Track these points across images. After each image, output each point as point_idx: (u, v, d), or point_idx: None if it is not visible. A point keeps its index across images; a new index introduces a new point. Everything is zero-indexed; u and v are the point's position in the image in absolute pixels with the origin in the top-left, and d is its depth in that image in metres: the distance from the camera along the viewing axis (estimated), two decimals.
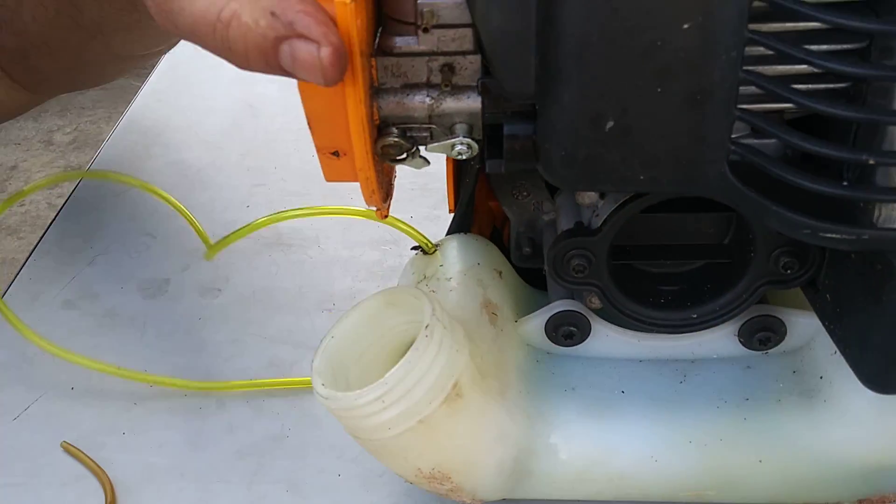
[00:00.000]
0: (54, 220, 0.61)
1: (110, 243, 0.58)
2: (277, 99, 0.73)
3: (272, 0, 0.28)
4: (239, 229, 0.45)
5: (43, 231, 0.60)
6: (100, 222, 0.61)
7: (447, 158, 0.40)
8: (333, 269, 0.55)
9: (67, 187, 0.67)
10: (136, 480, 0.43)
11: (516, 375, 0.37)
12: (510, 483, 0.37)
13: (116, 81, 0.68)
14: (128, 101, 0.75)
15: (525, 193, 0.43)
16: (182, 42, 0.75)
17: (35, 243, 0.59)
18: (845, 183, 0.27)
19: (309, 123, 0.32)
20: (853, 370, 0.32)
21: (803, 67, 0.28)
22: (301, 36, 0.27)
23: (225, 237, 0.46)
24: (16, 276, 0.56)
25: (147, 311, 0.53)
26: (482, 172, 0.41)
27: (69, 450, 0.44)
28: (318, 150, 0.33)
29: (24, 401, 0.47)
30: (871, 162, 0.26)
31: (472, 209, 0.43)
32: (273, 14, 0.27)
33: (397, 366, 0.31)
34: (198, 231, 0.49)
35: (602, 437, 0.37)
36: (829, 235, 0.28)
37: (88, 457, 0.43)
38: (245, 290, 0.54)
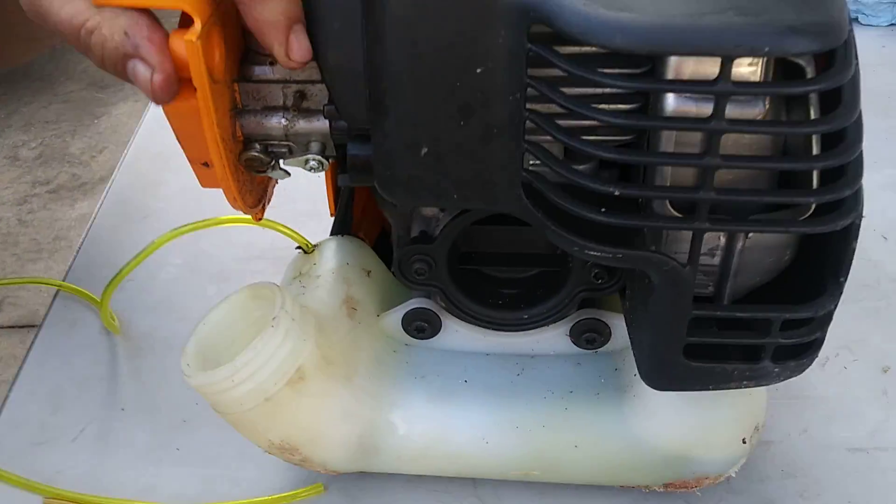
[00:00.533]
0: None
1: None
2: None
3: (128, 21, 0.32)
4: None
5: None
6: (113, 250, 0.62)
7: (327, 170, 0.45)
8: None
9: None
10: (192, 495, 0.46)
11: (369, 363, 0.42)
12: (359, 457, 0.42)
13: (79, 94, 0.70)
14: (92, 114, 0.77)
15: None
16: None
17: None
18: (603, 210, 0.32)
19: (177, 139, 0.37)
20: (638, 368, 0.37)
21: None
22: (142, 58, 0.32)
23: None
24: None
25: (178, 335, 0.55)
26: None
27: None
28: (191, 162, 0.38)
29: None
30: (616, 193, 0.31)
31: (351, 214, 0.48)
32: (126, 34, 0.32)
33: (245, 350, 0.36)
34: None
35: (442, 419, 0.42)
36: (591, 252, 0.33)
37: None
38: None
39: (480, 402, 0.43)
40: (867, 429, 0.49)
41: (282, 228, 0.46)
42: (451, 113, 0.33)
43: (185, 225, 0.48)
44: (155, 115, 0.77)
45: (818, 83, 0.29)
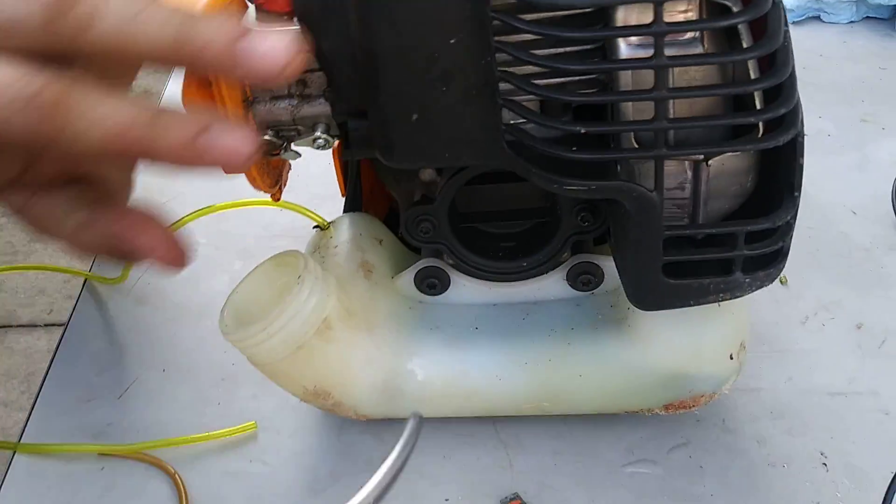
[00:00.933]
0: None
1: None
2: None
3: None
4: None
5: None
6: None
7: (333, 152, 0.50)
8: None
9: None
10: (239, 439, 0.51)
11: (387, 318, 0.47)
12: (385, 401, 0.47)
13: None
14: None
15: (404, 180, 0.52)
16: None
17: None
18: (574, 148, 0.37)
19: None
20: (625, 293, 0.42)
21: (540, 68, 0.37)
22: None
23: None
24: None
25: (211, 305, 0.57)
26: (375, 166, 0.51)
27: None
28: None
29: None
30: (583, 131, 0.36)
31: (360, 192, 0.53)
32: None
33: (278, 305, 0.41)
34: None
35: (458, 363, 0.47)
36: (570, 188, 0.38)
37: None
38: None
39: (491, 345, 0.47)
40: (845, 376, 0.53)
41: (299, 209, 0.51)
42: (433, 81, 0.38)
43: (211, 205, 0.53)
44: (171, 97, 0.81)
45: (743, 15, 0.33)
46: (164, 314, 0.60)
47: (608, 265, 0.47)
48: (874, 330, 0.56)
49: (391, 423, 0.49)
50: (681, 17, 0.35)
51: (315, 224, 0.52)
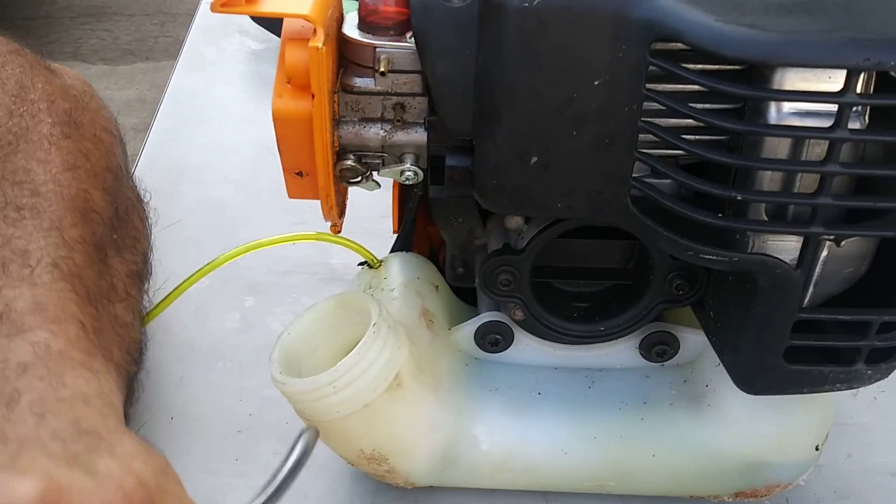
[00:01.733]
0: None
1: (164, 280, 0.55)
2: None
3: None
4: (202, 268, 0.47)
5: None
6: None
7: (393, 184, 0.45)
8: None
9: None
10: None
11: (448, 375, 0.42)
12: (438, 470, 0.42)
13: None
14: None
15: (460, 220, 0.48)
16: (183, 82, 0.75)
17: None
18: (720, 215, 0.33)
19: (278, 147, 0.37)
20: (729, 374, 0.39)
21: (690, 121, 0.34)
22: None
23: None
24: None
25: (226, 344, 0.54)
26: (423, 199, 0.47)
27: None
28: (285, 171, 0.38)
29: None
30: (739, 198, 0.33)
31: (414, 230, 0.48)
32: None
33: (348, 356, 0.36)
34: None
35: (520, 432, 0.43)
36: (707, 257, 0.34)
37: None
38: None
39: (557, 414, 0.43)
40: None
41: (350, 244, 0.45)
42: (564, 123, 0.34)
43: (243, 245, 0.47)
44: (164, 127, 0.76)
45: None
46: (171, 353, 0.53)
47: (686, 336, 0.44)
48: None
49: (432, 492, 0.45)
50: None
51: (362, 261, 0.47)
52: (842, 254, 0.37)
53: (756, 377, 0.37)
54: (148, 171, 0.70)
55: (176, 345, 0.54)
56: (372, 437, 0.39)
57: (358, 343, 0.41)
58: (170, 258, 0.54)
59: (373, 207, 0.50)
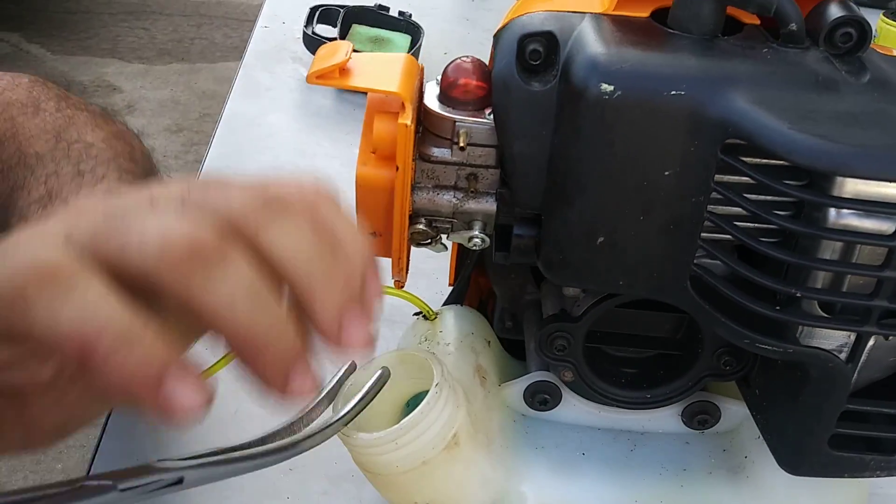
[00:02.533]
0: None
1: None
2: (340, 173, 0.74)
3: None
4: None
5: None
6: None
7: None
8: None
9: None
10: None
11: (499, 432, 0.44)
12: None
13: None
14: None
15: (512, 276, 0.50)
16: (238, 108, 0.77)
17: None
18: (777, 308, 0.35)
19: (357, 209, 0.39)
20: (772, 454, 0.40)
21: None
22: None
23: None
24: None
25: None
26: (480, 255, 0.49)
27: None
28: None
29: None
30: (798, 295, 0.34)
31: (468, 285, 0.50)
32: None
33: (412, 415, 0.38)
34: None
35: (564, 491, 0.44)
36: (764, 346, 0.36)
37: None
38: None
39: (600, 476, 0.44)
40: None
41: (410, 297, 0.47)
42: (633, 208, 0.36)
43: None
44: (219, 153, 0.78)
45: None
46: (224, 385, 0.54)
47: (727, 407, 0.45)
48: None
49: None
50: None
51: (417, 311, 0.49)
52: (887, 344, 0.38)
53: (800, 460, 0.39)
54: None
55: (229, 377, 0.55)
56: (427, 492, 0.40)
57: (414, 398, 0.43)
58: None
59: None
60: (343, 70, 0.35)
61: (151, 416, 0.23)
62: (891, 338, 0.38)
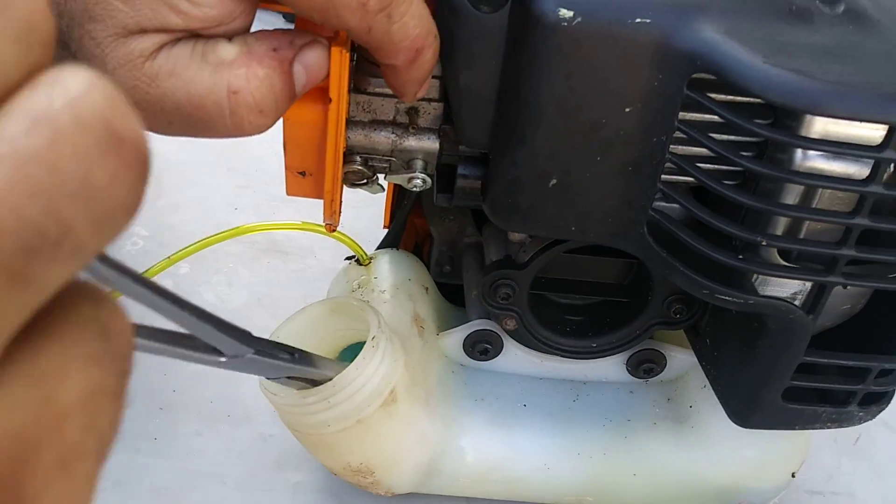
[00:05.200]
0: None
1: None
2: None
3: (265, 44, 0.29)
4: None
5: None
6: None
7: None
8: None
9: None
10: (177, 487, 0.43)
11: (437, 384, 0.41)
12: (421, 480, 0.41)
13: None
14: None
15: (451, 217, 0.47)
16: None
17: None
18: (740, 256, 0.33)
19: (284, 146, 0.35)
20: (722, 405, 0.38)
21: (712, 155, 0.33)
22: (304, 49, 0.30)
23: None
24: None
25: (155, 314, 0.52)
26: (418, 196, 0.45)
27: None
28: (287, 168, 0.36)
29: None
30: (763, 243, 0.32)
31: (405, 228, 0.47)
32: (273, 49, 0.29)
33: (346, 370, 0.34)
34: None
35: (504, 444, 0.42)
36: (723, 297, 0.34)
37: None
38: (251, 297, 0.54)
39: (541, 428, 0.43)
40: (823, 473, 0.52)
41: (344, 238, 0.44)
42: (589, 148, 0.33)
43: (213, 235, 0.44)
44: None
45: None
46: None
47: (673, 355, 0.44)
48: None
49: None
50: (867, 134, 0.31)
51: (350, 255, 0.45)
52: (843, 293, 0.37)
53: (751, 412, 0.37)
54: None
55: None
56: (361, 452, 0.37)
57: (348, 349, 0.40)
58: None
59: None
60: None
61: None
62: (848, 286, 0.36)
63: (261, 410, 0.47)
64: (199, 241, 0.43)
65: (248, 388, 0.47)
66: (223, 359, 0.26)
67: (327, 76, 0.31)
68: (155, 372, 0.48)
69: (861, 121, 0.30)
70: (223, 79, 0.28)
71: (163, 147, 0.65)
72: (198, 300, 0.52)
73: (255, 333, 0.51)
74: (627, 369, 0.44)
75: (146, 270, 0.48)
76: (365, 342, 0.36)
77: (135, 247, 0.57)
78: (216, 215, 0.60)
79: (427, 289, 0.45)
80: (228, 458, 0.45)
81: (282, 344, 0.30)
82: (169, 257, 0.45)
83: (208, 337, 0.26)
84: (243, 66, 0.29)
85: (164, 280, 0.53)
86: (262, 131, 0.30)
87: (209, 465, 0.45)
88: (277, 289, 0.55)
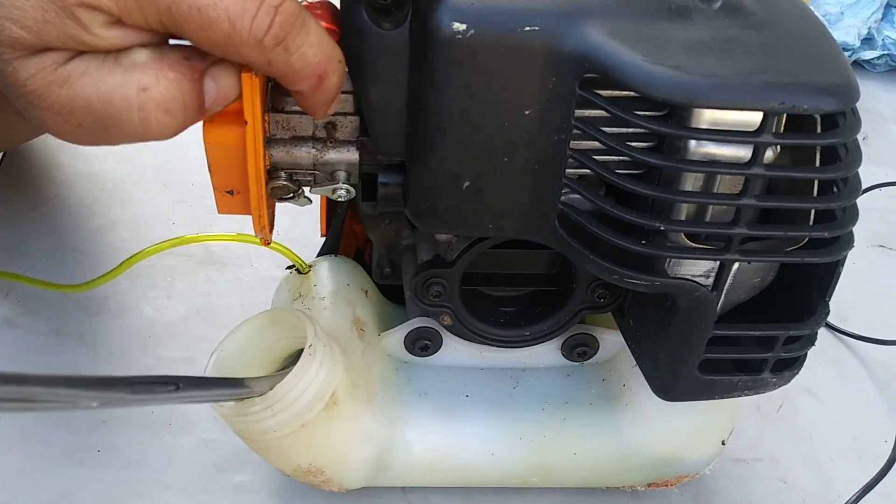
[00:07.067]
0: None
1: (37, 259, 0.56)
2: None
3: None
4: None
5: None
6: (21, 238, 0.58)
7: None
8: (270, 287, 0.52)
9: None
10: (121, 496, 0.44)
11: (380, 383, 0.43)
12: (372, 474, 0.43)
13: None
14: None
15: (387, 221, 0.49)
16: None
17: None
18: (644, 242, 0.35)
19: (209, 167, 0.37)
20: (647, 381, 0.41)
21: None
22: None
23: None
24: None
25: (94, 329, 0.53)
26: (352, 203, 0.47)
27: None
28: (215, 189, 0.38)
29: None
30: (662, 228, 0.34)
31: (342, 234, 0.48)
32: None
33: (285, 379, 0.36)
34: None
35: (450, 434, 0.44)
36: (631, 281, 0.36)
37: None
38: (190, 309, 0.55)
39: (484, 416, 0.45)
40: (746, 441, 0.54)
41: (281, 249, 0.45)
42: (495, 150, 0.35)
43: (171, 239, 0.46)
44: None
45: (842, 136, 0.33)
46: (36, 338, 0.52)
47: (604, 337, 0.46)
48: (772, 393, 0.58)
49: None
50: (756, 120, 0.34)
51: (290, 264, 0.47)
52: (750, 268, 0.39)
53: (672, 386, 0.39)
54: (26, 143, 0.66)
55: (41, 330, 0.52)
56: (309, 454, 0.39)
57: (289, 357, 0.42)
58: (47, 237, 0.54)
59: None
60: None
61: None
62: (752, 262, 0.39)
63: (201, 417, 0.49)
64: (136, 254, 0.45)
65: None
66: (95, 404, 0.27)
67: (240, 98, 0.33)
68: None
69: (735, 109, 0.32)
70: (133, 78, 0.30)
71: (99, 167, 0.66)
72: (137, 315, 0.55)
73: (195, 343, 0.53)
74: (563, 353, 0.47)
75: (84, 283, 0.50)
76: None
77: (74, 263, 0.58)
78: (153, 231, 0.61)
79: (367, 292, 0.47)
80: (171, 464, 0.47)
81: (163, 377, 0.30)
82: (107, 273, 0.47)
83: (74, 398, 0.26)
84: (153, 69, 0.30)
85: (103, 295, 0.55)
86: (168, 134, 0.32)
87: (152, 472, 0.46)
88: (216, 299, 0.56)
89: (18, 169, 0.63)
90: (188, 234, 0.46)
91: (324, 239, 0.49)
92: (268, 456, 0.40)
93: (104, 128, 0.31)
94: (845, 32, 0.93)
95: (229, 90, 0.32)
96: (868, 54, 0.94)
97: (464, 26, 0.32)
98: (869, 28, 0.93)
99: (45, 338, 0.52)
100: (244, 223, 0.43)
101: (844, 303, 0.61)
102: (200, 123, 0.35)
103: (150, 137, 0.31)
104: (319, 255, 0.48)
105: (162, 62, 0.31)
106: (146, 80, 0.30)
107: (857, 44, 0.93)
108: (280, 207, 0.62)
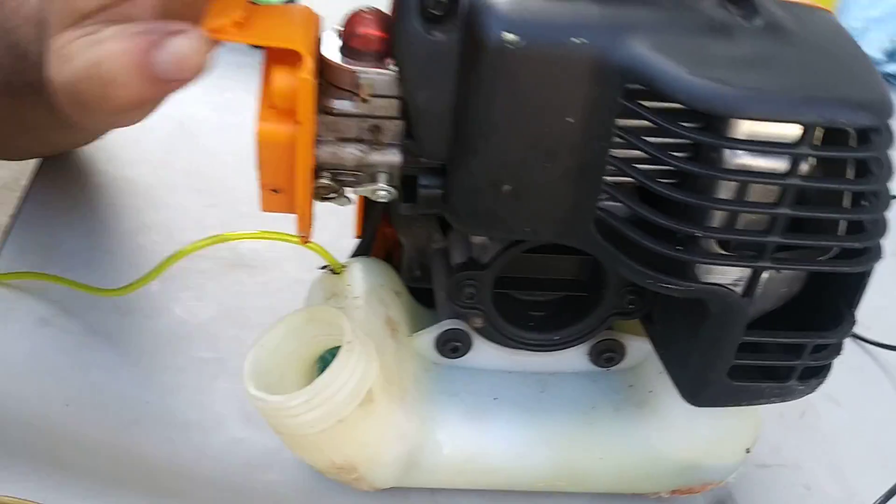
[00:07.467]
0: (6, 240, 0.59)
1: (72, 261, 0.57)
2: (209, 118, 0.72)
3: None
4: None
5: None
6: (56, 241, 0.58)
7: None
8: (298, 289, 0.52)
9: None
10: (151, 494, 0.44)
11: (412, 382, 0.44)
12: (402, 473, 0.44)
13: None
14: None
15: (419, 225, 0.50)
16: None
17: None
18: (678, 247, 0.36)
19: (259, 165, 0.38)
20: (675, 386, 0.42)
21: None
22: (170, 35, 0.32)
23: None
24: None
25: (126, 329, 0.53)
26: (387, 206, 0.48)
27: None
28: (262, 187, 0.39)
29: None
30: (700, 235, 0.35)
31: (375, 236, 0.49)
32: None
33: (324, 374, 0.37)
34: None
35: (478, 436, 0.45)
36: (665, 285, 0.37)
37: None
38: (220, 310, 0.56)
39: (512, 419, 0.45)
40: (769, 447, 0.55)
41: (317, 249, 0.46)
42: (537, 156, 0.36)
43: (206, 237, 0.47)
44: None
45: (877, 150, 0.34)
46: (70, 338, 0.52)
47: (632, 344, 0.47)
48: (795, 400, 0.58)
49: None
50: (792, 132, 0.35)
51: (325, 265, 0.48)
52: (779, 277, 0.40)
53: (701, 391, 0.40)
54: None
55: (75, 330, 0.53)
56: (344, 450, 0.40)
57: (326, 354, 0.42)
58: (82, 239, 0.55)
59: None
60: (238, 24, 0.34)
61: None
62: (782, 270, 0.40)
63: (231, 416, 0.49)
64: (173, 254, 0.46)
65: (218, 396, 0.50)
66: None
67: (294, 99, 0.34)
68: (128, 385, 0.51)
69: (775, 121, 0.33)
70: (96, 51, 0.32)
71: (132, 172, 0.67)
72: (168, 315, 0.56)
73: (225, 344, 0.54)
74: (590, 359, 0.47)
75: (123, 287, 0.51)
76: (340, 348, 0.39)
77: (108, 265, 0.59)
78: (185, 234, 0.61)
79: (399, 293, 0.48)
80: (201, 463, 0.47)
81: None
82: (144, 275, 0.48)
83: None
84: (113, 42, 0.32)
85: (135, 296, 0.55)
86: (132, 110, 0.34)
87: (183, 469, 0.47)
88: (246, 301, 0.57)
89: (55, 174, 0.64)
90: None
91: (357, 240, 0.50)
92: (302, 451, 0.41)
93: (78, 105, 0.33)
94: (869, 47, 0.94)
95: (187, 59, 0.32)
96: (892, 68, 0.95)
97: (515, 37, 0.34)
98: (893, 42, 0.95)
99: (79, 337, 0.53)
100: (275, 226, 0.45)
101: (867, 311, 0.62)
102: (253, 125, 0.36)
103: (115, 113, 0.34)
104: (353, 255, 0.49)
105: (123, 35, 0.33)
106: (102, 53, 0.32)
107: (883, 58, 0.94)
108: None
